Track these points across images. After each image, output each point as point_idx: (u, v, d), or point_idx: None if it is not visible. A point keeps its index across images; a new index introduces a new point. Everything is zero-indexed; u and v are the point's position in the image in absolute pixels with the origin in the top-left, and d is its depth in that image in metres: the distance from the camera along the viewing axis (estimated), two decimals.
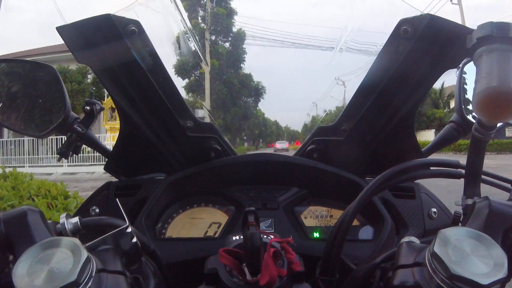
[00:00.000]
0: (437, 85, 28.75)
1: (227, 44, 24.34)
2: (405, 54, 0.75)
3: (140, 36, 0.76)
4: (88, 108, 0.95)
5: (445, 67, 0.76)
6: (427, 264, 0.43)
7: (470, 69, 0.91)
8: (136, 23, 0.75)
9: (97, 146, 0.99)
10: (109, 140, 14.99)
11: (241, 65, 24.85)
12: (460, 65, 0.87)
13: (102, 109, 1.00)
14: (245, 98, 25.80)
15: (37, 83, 0.99)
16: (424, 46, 0.73)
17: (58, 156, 0.97)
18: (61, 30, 0.73)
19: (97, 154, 14.29)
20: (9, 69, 1.01)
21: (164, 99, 0.84)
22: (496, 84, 0.44)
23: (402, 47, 0.75)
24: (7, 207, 2.70)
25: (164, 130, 0.91)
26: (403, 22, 0.73)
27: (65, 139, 0.96)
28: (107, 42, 0.75)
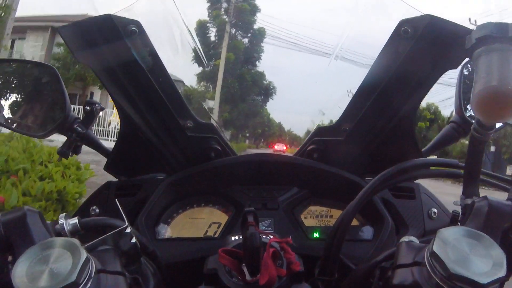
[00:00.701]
0: (445, 113, 27.26)
1: (245, 40, 24.44)
2: (405, 55, 0.75)
3: (140, 36, 0.77)
4: (88, 108, 0.95)
5: (445, 67, 0.76)
6: (427, 263, 0.43)
7: (470, 69, 0.91)
8: (136, 23, 0.76)
9: (97, 146, 0.99)
10: (115, 116, 14.88)
11: (257, 62, 25.00)
12: (460, 66, 0.87)
13: (102, 109, 1.00)
14: (254, 95, 25.88)
15: (37, 83, 0.99)
16: (424, 46, 0.73)
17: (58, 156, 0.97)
18: (61, 30, 0.74)
19: (100, 128, 14.07)
20: (10, 69, 1.01)
21: (164, 99, 0.84)
22: (495, 84, 0.44)
23: (402, 48, 0.75)
24: (20, 170, 2.55)
25: (164, 130, 0.91)
26: (403, 23, 0.73)
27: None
28: (107, 42, 0.76)
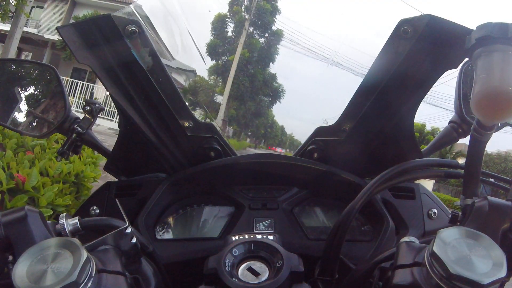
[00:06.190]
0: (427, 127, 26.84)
1: (262, 40, 24.58)
2: (405, 55, 0.75)
3: (140, 36, 0.77)
4: (88, 108, 0.95)
5: (445, 67, 0.76)
6: (427, 263, 0.43)
7: (470, 69, 0.91)
8: (136, 23, 0.76)
9: (97, 146, 1.00)
10: None
11: (270, 63, 25.11)
12: (460, 66, 0.87)
13: (102, 109, 1.00)
14: (263, 96, 25.99)
15: (37, 83, 0.99)
16: (424, 46, 0.73)
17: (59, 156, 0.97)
18: (62, 30, 0.74)
19: (106, 108, 13.88)
20: (10, 69, 1.01)
21: (164, 99, 0.84)
22: (494, 84, 0.44)
23: (402, 48, 0.75)
24: (37, 146, 2.42)
25: (164, 130, 0.91)
26: (403, 23, 0.73)
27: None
28: (107, 42, 0.76)
